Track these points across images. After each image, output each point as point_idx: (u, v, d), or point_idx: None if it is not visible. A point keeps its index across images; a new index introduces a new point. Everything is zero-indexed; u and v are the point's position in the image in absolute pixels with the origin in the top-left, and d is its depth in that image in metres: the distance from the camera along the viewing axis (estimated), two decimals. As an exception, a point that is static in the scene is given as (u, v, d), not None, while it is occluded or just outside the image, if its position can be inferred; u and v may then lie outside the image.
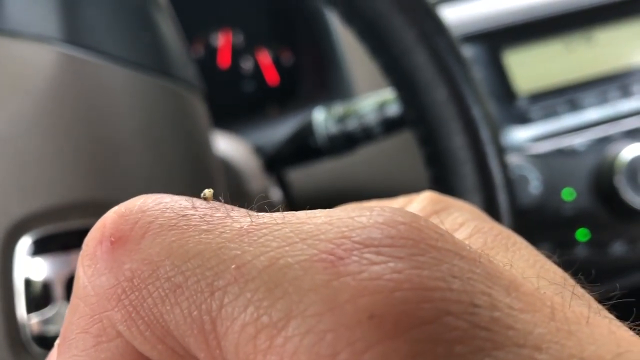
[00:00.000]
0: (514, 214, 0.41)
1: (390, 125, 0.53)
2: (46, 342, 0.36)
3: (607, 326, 0.14)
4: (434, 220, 0.17)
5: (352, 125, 0.54)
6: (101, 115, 0.39)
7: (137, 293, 0.14)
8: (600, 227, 0.65)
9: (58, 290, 0.36)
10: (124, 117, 0.40)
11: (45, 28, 0.39)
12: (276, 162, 0.62)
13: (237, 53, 0.78)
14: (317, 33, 0.76)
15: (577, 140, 0.66)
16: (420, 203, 0.20)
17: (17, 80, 0.38)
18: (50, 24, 0.40)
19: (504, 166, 0.41)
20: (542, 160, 0.65)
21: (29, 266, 0.36)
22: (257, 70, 0.78)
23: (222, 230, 0.14)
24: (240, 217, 0.15)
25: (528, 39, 0.71)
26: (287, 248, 0.13)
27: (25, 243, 0.36)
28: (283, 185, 0.65)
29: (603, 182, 0.64)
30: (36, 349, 0.36)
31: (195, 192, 0.18)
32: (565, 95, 0.69)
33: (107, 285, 0.15)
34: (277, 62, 0.79)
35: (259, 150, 0.63)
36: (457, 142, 0.41)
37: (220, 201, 0.16)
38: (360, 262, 0.13)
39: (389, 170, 0.68)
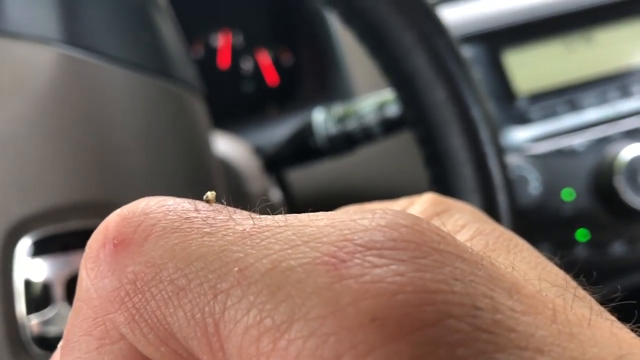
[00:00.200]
0: (513, 215, 0.41)
1: (389, 126, 0.53)
2: (46, 343, 0.36)
3: (608, 328, 0.14)
4: (436, 222, 0.17)
5: (351, 125, 0.54)
6: (101, 116, 0.39)
7: (140, 296, 0.14)
8: (600, 227, 0.65)
9: (58, 291, 0.36)
10: (123, 118, 0.40)
11: (45, 29, 0.39)
12: (276, 162, 0.62)
13: (236, 54, 0.78)
14: (316, 34, 0.76)
15: (577, 141, 0.66)
16: (421, 205, 0.20)
17: (17, 81, 0.38)
18: (49, 25, 0.40)
19: (503, 167, 0.41)
20: (542, 160, 0.65)
21: (29, 267, 0.36)
22: (257, 70, 0.78)
23: (225, 233, 0.14)
24: (243, 220, 0.15)
25: (528, 39, 0.71)
26: (289, 251, 0.13)
27: (25, 244, 0.36)
28: (283, 185, 0.65)
29: (603, 183, 0.64)
30: (36, 349, 0.36)
31: (194, 193, 0.18)
32: (565, 96, 0.69)
33: (110, 288, 0.15)
34: (276, 62, 0.79)
35: (259, 151, 0.63)
36: (457, 142, 0.41)
37: (222, 203, 0.16)
38: (362, 264, 0.13)
39: (389, 170, 0.68)
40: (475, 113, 0.41)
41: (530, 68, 0.70)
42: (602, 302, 0.16)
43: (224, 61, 0.78)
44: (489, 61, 0.70)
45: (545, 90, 0.69)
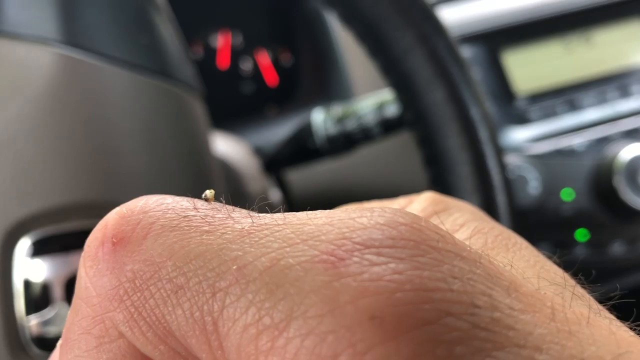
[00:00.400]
0: (512, 215, 0.41)
1: (389, 126, 0.53)
2: (45, 343, 0.36)
3: (607, 327, 0.14)
4: (435, 220, 0.17)
5: (351, 125, 0.54)
6: (100, 116, 0.39)
7: (139, 294, 0.14)
8: (599, 227, 0.65)
9: (57, 291, 0.36)
10: (122, 118, 0.40)
11: (44, 30, 0.39)
12: (275, 162, 0.62)
13: (236, 54, 0.78)
14: (316, 34, 0.76)
15: (576, 141, 0.66)
16: (420, 204, 0.20)
17: (17, 81, 0.38)
18: (49, 26, 0.40)
19: (502, 167, 0.41)
20: (541, 160, 0.65)
21: (29, 267, 0.36)
22: (256, 71, 0.78)
23: (224, 231, 0.14)
24: (242, 218, 0.15)
25: (527, 39, 0.71)
26: (288, 249, 0.13)
27: (24, 244, 0.36)
28: (282, 185, 0.65)
29: (602, 183, 0.64)
30: (35, 350, 0.36)
31: (194, 193, 0.18)
32: (564, 96, 0.69)
33: (109, 286, 0.15)
34: (276, 63, 0.79)
35: (258, 151, 0.63)
36: (456, 142, 0.41)
37: (221, 202, 0.16)
38: (361, 263, 0.13)
39: (388, 171, 0.68)
40: (474, 113, 0.41)
41: (530, 68, 0.70)
42: (601, 301, 0.16)
43: (223, 61, 0.78)
44: (488, 61, 0.70)
45: (544, 90, 0.69)
